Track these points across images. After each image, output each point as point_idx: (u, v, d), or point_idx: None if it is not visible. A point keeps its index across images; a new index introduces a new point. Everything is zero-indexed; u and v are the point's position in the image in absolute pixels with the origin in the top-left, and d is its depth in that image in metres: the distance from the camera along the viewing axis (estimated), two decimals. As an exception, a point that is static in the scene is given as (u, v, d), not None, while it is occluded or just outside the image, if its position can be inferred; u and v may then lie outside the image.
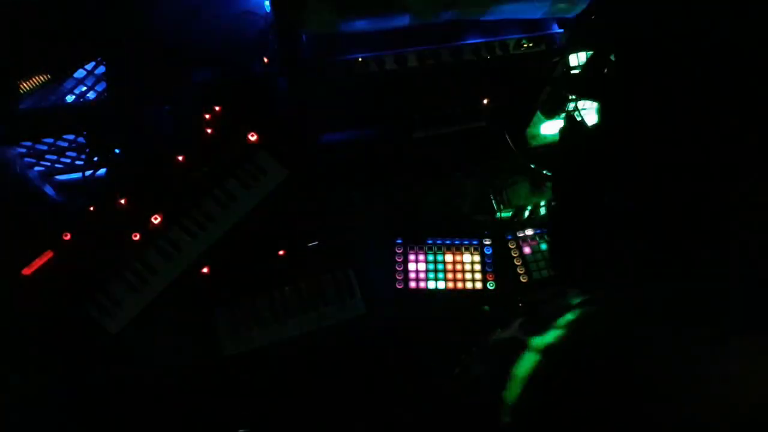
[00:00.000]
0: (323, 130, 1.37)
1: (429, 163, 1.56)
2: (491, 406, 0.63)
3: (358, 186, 1.51)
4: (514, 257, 1.41)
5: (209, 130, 1.35)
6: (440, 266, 1.38)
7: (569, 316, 0.63)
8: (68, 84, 1.27)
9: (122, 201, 1.26)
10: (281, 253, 1.34)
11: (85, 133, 1.30)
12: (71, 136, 1.30)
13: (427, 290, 1.35)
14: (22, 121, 1.24)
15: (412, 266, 1.38)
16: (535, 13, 1.15)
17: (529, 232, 1.45)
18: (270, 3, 1.34)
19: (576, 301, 0.68)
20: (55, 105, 1.27)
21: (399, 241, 1.40)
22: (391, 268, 1.38)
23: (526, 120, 1.53)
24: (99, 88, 1.31)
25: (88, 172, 1.36)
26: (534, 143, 1.60)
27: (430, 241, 1.41)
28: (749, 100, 0.45)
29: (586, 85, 0.78)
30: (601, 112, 0.68)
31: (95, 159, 1.34)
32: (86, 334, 1.17)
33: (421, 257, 1.39)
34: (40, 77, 1.22)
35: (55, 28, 1.19)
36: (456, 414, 0.70)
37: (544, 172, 1.59)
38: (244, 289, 1.30)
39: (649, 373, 0.45)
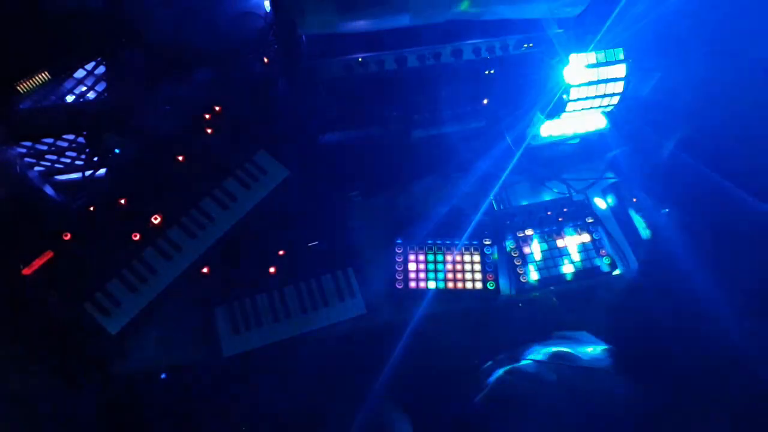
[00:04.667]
0: (323, 130, 1.37)
1: (429, 163, 1.56)
2: None
3: (358, 186, 1.51)
4: (515, 257, 1.41)
5: (209, 130, 1.35)
6: (440, 266, 1.38)
7: None
8: (68, 84, 1.27)
9: (122, 201, 1.26)
10: (281, 253, 1.33)
11: (85, 133, 1.30)
12: (71, 136, 1.30)
13: (427, 290, 1.35)
14: (22, 121, 1.24)
15: (412, 266, 1.38)
16: (535, 13, 1.15)
17: (529, 232, 1.45)
18: (270, 3, 1.35)
19: None
20: (55, 105, 1.27)
21: (399, 241, 1.40)
22: (391, 268, 1.37)
23: (525, 120, 1.53)
24: (99, 88, 1.31)
25: (88, 172, 1.36)
26: (534, 143, 1.60)
27: (430, 241, 1.41)
28: None
29: None
30: None
31: (95, 159, 1.34)
32: (86, 334, 1.16)
33: (421, 257, 1.39)
34: (40, 77, 1.22)
35: (55, 28, 1.19)
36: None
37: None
38: (244, 289, 1.30)
39: None
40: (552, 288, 1.40)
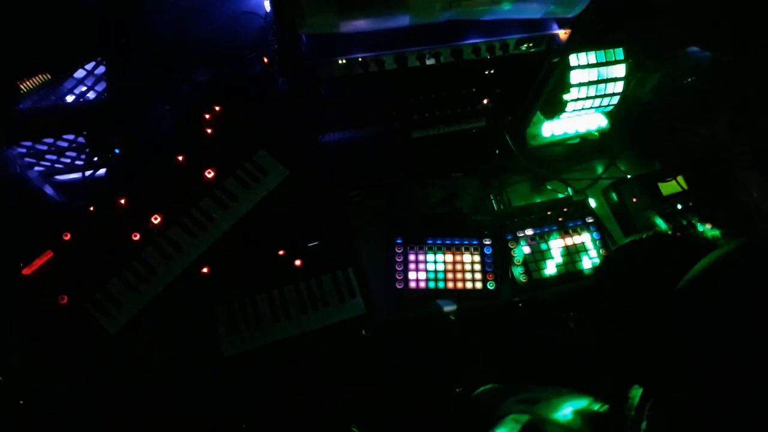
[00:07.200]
0: (323, 130, 1.37)
1: (429, 163, 1.56)
2: None
3: (358, 186, 1.51)
4: (514, 257, 1.41)
5: (209, 130, 1.35)
6: (440, 266, 1.38)
7: None
8: (68, 84, 1.27)
9: (122, 201, 1.26)
10: (281, 253, 1.34)
11: (85, 133, 1.30)
12: (71, 136, 1.30)
13: (427, 290, 1.35)
14: (22, 121, 1.24)
15: (412, 266, 1.38)
16: (535, 13, 1.15)
17: (529, 232, 1.44)
18: (270, 3, 1.35)
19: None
20: (55, 105, 1.27)
21: (399, 241, 1.40)
22: (391, 268, 1.37)
23: (525, 120, 1.53)
24: (99, 88, 1.31)
25: (88, 172, 1.36)
26: (534, 143, 1.60)
27: (430, 241, 1.41)
28: None
29: None
30: None
31: (95, 159, 1.34)
32: (86, 334, 1.16)
33: (421, 257, 1.39)
34: (40, 77, 1.22)
35: (55, 28, 1.19)
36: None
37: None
38: (244, 289, 1.30)
39: None
40: (552, 287, 1.40)
